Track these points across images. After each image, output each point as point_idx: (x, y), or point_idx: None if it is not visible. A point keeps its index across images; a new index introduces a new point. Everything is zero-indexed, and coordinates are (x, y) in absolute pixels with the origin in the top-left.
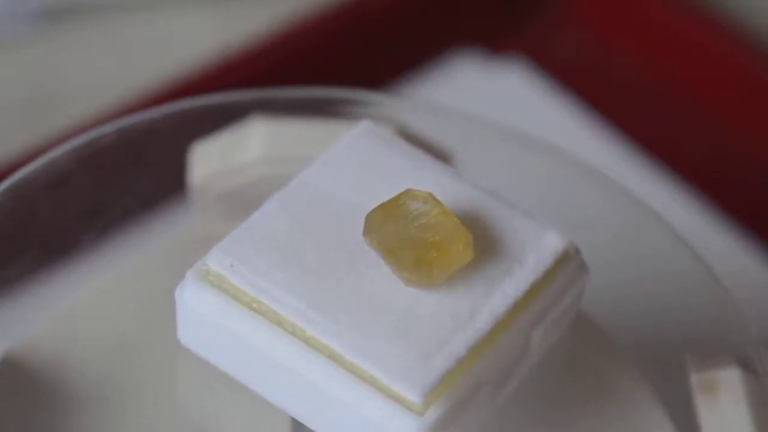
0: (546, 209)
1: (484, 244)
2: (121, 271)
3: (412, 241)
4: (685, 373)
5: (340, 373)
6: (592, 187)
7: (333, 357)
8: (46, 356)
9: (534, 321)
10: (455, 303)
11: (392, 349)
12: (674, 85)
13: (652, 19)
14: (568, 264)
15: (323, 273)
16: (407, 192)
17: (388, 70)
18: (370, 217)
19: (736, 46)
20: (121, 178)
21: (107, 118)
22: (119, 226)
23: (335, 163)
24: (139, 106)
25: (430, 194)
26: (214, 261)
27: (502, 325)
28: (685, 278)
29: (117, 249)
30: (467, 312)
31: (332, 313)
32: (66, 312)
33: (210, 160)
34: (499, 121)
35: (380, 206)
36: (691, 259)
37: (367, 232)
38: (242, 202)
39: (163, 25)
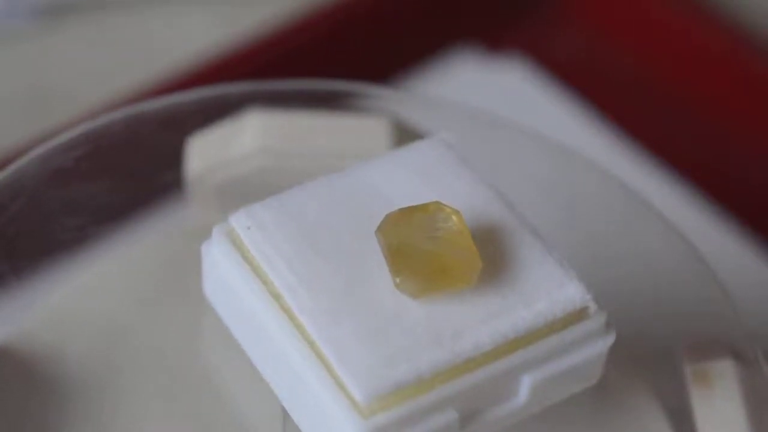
0: (543, 204)
1: (499, 275)
2: (118, 261)
3: (415, 248)
4: (680, 364)
5: (310, 357)
6: (590, 181)
7: (310, 341)
8: (41, 346)
9: (525, 367)
10: (444, 322)
11: (359, 346)
12: (674, 84)
13: (652, 17)
14: (584, 322)
15: (329, 258)
16: (436, 203)
17: (387, 66)
18: (389, 216)
19: (736, 45)
20: (118, 171)
21: (105, 111)
22: (115, 218)
23: (394, 165)
24: (136, 99)
25: (458, 212)
26: (236, 219)
27: (484, 358)
28: (681, 272)
29: (113, 240)
30: (451, 334)
31: (317, 295)
32: (61, 302)
33: (207, 152)
34: (498, 115)
35: (404, 209)
36: (687, 254)
37: (380, 228)
38: (239, 194)
39: (162, 20)
